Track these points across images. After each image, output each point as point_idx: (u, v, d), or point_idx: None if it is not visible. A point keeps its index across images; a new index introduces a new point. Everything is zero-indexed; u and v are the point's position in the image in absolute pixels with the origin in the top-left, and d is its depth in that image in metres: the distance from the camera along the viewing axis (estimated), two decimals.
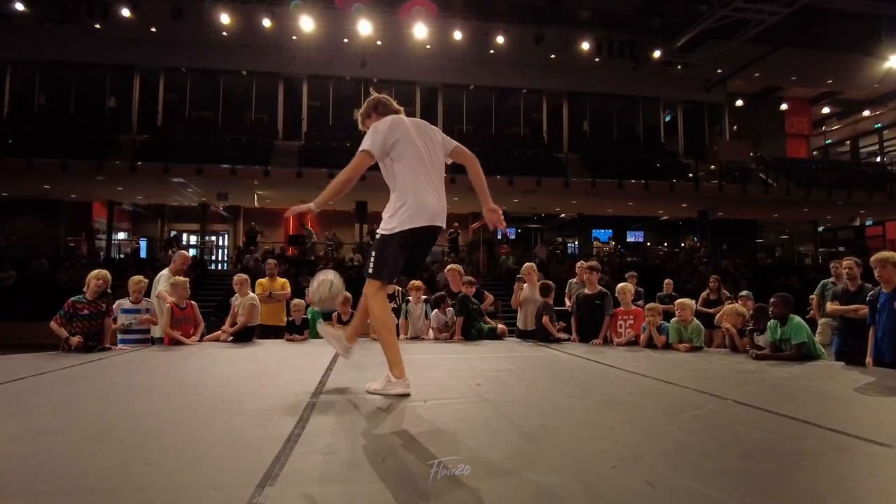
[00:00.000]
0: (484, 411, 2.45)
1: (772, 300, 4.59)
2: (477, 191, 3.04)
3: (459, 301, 6.37)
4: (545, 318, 5.95)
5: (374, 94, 3.11)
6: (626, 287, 5.81)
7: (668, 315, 5.79)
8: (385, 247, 2.81)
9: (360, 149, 2.80)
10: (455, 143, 3.06)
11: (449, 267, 7.20)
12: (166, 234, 22.03)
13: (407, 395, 2.73)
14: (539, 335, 6.04)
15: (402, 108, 3.08)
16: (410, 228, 2.76)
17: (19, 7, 15.38)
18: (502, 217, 3.03)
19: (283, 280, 6.90)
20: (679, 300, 5.56)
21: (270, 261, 7.22)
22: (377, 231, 2.88)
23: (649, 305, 5.68)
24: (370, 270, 2.84)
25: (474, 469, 1.65)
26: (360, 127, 3.10)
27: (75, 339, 4.70)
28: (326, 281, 2.99)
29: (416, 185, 2.79)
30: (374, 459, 1.75)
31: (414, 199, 2.77)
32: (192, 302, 5.78)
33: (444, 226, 2.90)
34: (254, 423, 2.21)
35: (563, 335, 6.02)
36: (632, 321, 5.68)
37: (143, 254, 20.25)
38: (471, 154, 3.07)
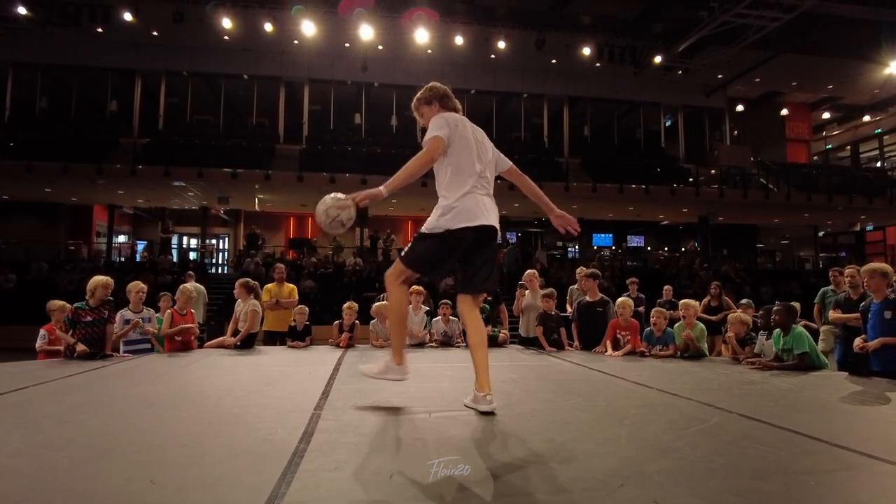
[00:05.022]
0: (489, 425, 2.44)
1: (774, 309, 4.59)
2: (539, 202, 3.18)
3: None
4: (539, 330, 5.94)
5: (438, 84, 3.00)
6: (626, 302, 5.75)
7: (670, 322, 5.78)
8: (421, 240, 2.75)
9: (432, 134, 2.68)
10: (511, 163, 3.11)
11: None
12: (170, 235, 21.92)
13: (403, 380, 2.86)
14: (539, 342, 6.03)
15: (460, 108, 3.02)
16: (450, 230, 2.66)
17: (21, 10, 15.40)
18: (572, 221, 3.14)
19: (292, 286, 6.85)
20: (683, 301, 5.55)
21: (279, 265, 7.18)
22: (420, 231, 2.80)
23: (656, 309, 5.67)
24: (401, 254, 2.84)
25: (480, 489, 1.64)
26: (415, 113, 3.02)
27: (81, 347, 4.69)
28: (332, 211, 2.71)
29: (463, 188, 2.71)
30: (381, 477, 1.74)
31: (459, 203, 2.69)
32: (192, 310, 5.78)
33: (495, 231, 2.81)
34: (258, 437, 2.20)
35: (572, 344, 6.00)
36: (629, 336, 5.65)
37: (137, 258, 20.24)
38: (522, 173, 3.17)
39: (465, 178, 2.73)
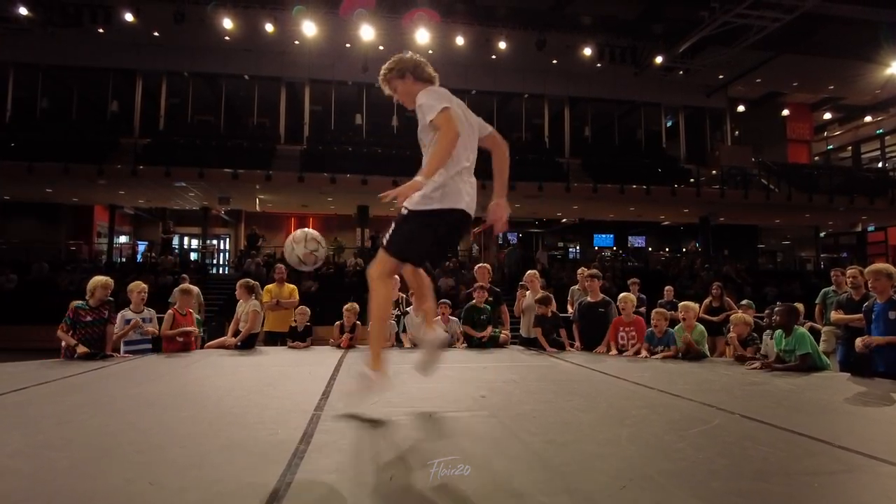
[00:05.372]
0: (490, 426, 2.43)
1: (776, 310, 4.58)
2: (496, 178, 2.79)
3: (466, 311, 6.34)
4: (538, 331, 5.93)
5: (407, 54, 2.75)
6: (628, 297, 5.76)
7: (671, 323, 5.77)
8: (406, 222, 2.49)
9: (439, 109, 2.40)
10: (491, 127, 2.80)
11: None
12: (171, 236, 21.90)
13: (386, 390, 2.51)
14: (540, 343, 6.03)
15: (436, 76, 2.76)
16: (440, 209, 2.45)
17: (22, 11, 15.41)
18: (506, 217, 2.67)
19: (292, 287, 6.85)
20: (682, 303, 5.55)
21: (279, 266, 7.16)
22: (403, 207, 2.49)
23: (656, 310, 5.66)
24: (384, 242, 2.52)
25: (481, 491, 1.64)
26: (385, 87, 2.77)
27: (81, 349, 4.69)
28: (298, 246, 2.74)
29: (456, 167, 2.50)
30: (381, 478, 1.73)
31: (451, 181, 2.48)
32: (191, 310, 5.78)
33: (473, 215, 2.62)
34: (258, 438, 2.20)
35: (573, 344, 6.00)
36: (633, 331, 5.64)
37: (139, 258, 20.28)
38: (504, 141, 2.84)
39: (460, 159, 2.51)
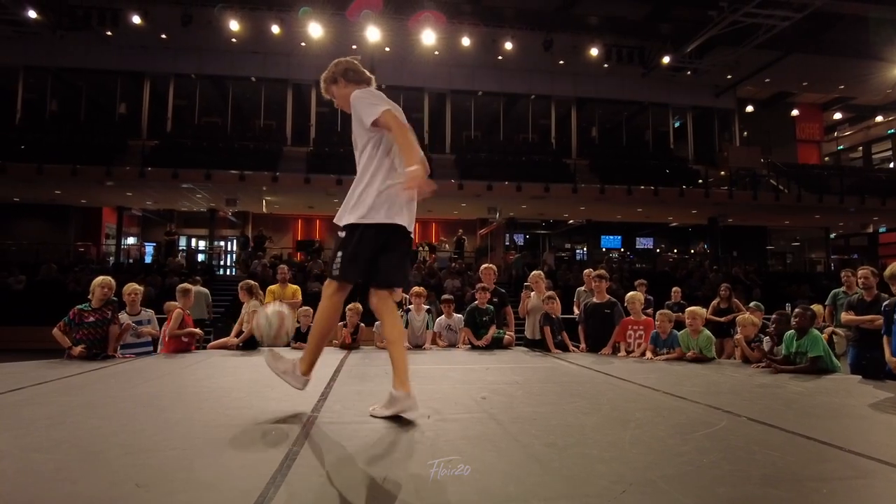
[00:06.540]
0: (489, 429, 2.38)
1: (796, 311, 4.50)
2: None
3: (468, 312, 6.28)
4: (546, 330, 5.87)
5: (342, 59, 2.71)
6: (635, 296, 5.71)
7: (677, 325, 5.69)
8: (354, 239, 2.46)
9: (382, 109, 2.38)
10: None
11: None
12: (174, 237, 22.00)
13: (299, 389, 2.68)
14: (544, 344, 5.96)
15: (373, 77, 2.73)
16: (384, 224, 2.44)
17: (32, 14, 15.54)
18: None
19: (295, 287, 6.82)
20: (689, 308, 5.47)
21: (282, 266, 7.13)
22: (343, 223, 2.49)
23: (661, 311, 5.58)
24: (334, 270, 2.51)
25: (476, 495, 1.58)
26: (326, 96, 2.75)
27: (77, 349, 4.67)
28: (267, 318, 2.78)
29: (393, 175, 2.46)
30: (372, 481, 1.68)
31: (393, 192, 2.43)
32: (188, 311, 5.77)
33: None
34: (251, 439, 2.16)
35: (578, 347, 5.94)
36: (642, 331, 5.57)
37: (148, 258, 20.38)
38: None
39: (391, 168, 2.47)
